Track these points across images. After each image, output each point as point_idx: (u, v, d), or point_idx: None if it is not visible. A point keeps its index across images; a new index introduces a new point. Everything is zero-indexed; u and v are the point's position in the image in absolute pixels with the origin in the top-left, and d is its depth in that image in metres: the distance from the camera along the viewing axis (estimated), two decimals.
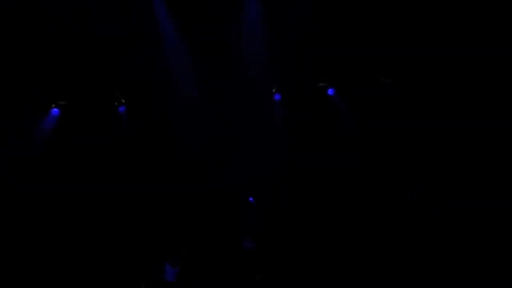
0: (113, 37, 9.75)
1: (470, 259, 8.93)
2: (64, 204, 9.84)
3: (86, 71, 9.92)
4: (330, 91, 10.18)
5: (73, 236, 9.76)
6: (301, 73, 10.19)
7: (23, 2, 9.53)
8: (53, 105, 9.99)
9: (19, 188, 9.73)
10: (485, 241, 9.02)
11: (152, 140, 10.16)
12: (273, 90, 10.23)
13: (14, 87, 9.85)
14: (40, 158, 9.86)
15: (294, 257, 9.28)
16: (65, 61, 9.83)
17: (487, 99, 9.46)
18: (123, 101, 10.10)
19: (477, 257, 8.93)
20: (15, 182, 9.73)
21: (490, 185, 9.21)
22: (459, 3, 9.54)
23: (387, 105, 9.87)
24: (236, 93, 10.15)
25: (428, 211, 9.52)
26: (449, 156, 9.60)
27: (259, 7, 9.81)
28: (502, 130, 9.34)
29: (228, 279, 8.49)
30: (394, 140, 9.89)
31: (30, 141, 9.88)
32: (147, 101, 10.21)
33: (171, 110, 10.20)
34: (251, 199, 8.28)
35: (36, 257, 9.63)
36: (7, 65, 9.73)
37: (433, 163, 9.65)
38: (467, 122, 9.43)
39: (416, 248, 9.34)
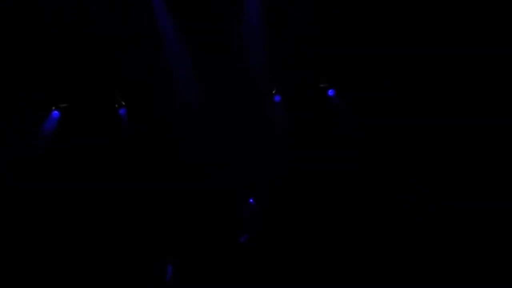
0: (113, 37, 9.74)
1: (470, 259, 8.92)
2: (64, 204, 9.83)
3: (85, 71, 9.91)
4: (330, 92, 10.16)
5: (73, 236, 9.75)
6: (301, 73, 10.17)
7: (23, 2, 9.54)
8: (54, 108, 9.99)
9: (19, 188, 9.75)
10: (485, 241, 9.01)
11: (152, 140, 10.15)
12: (273, 92, 10.22)
13: (14, 87, 9.85)
14: (40, 158, 9.86)
15: (294, 257, 9.28)
16: (65, 61, 9.82)
17: (487, 99, 9.46)
18: (123, 103, 10.09)
19: (477, 257, 8.92)
20: (15, 182, 9.74)
21: (490, 185, 9.21)
22: (459, 3, 9.54)
23: (387, 105, 9.86)
24: (236, 93, 10.14)
25: (428, 211, 9.51)
26: (449, 156, 9.59)
27: (259, 7, 9.81)
28: (502, 130, 9.34)
29: (228, 279, 8.49)
30: (394, 140, 9.88)
31: (30, 141, 9.88)
32: (147, 101, 10.20)
33: (171, 110, 10.19)
34: (251, 200, 8.26)
35: (36, 257, 9.62)
36: (6, 65, 9.74)
37: (433, 163, 9.63)
38: (467, 122, 9.43)
39: (416, 248, 9.32)
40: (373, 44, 9.80)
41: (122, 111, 10.10)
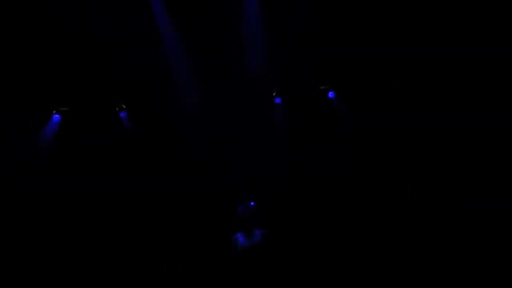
0: (113, 37, 9.72)
1: (470, 259, 8.92)
2: (64, 204, 9.82)
3: (85, 71, 9.90)
4: (330, 94, 10.14)
5: (73, 236, 9.74)
6: (302, 73, 10.13)
7: (23, 2, 9.53)
8: (54, 111, 9.98)
9: (19, 188, 9.74)
10: (485, 241, 9.01)
11: (152, 140, 10.13)
12: (274, 94, 10.19)
13: (13, 87, 9.83)
14: (41, 158, 9.85)
15: (294, 257, 9.28)
16: (65, 61, 9.81)
17: (487, 99, 9.46)
18: (124, 106, 10.08)
19: (477, 257, 8.92)
20: (15, 182, 9.72)
21: (490, 185, 9.21)
22: (459, 3, 9.54)
23: (387, 105, 9.85)
24: (236, 93, 10.12)
25: (428, 211, 9.50)
26: (449, 156, 9.58)
27: (259, 7, 9.80)
28: (502, 130, 9.33)
29: (228, 279, 8.46)
30: (394, 140, 9.87)
31: (30, 142, 9.86)
32: (147, 101, 10.17)
33: (171, 110, 10.17)
34: (252, 203, 8.23)
35: (36, 257, 9.61)
36: (6, 65, 9.72)
37: (433, 163, 9.62)
38: (467, 122, 9.42)
39: (416, 248, 9.32)
40: (373, 44, 9.79)
41: (122, 114, 10.08)
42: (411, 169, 9.74)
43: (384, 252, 9.35)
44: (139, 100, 10.14)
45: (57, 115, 9.97)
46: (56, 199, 9.80)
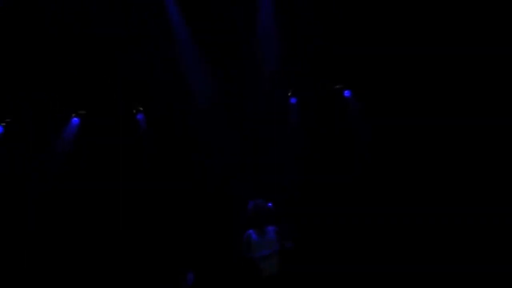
0: (115, 37, 9.67)
1: (470, 259, 8.99)
2: (68, 204, 9.82)
3: (87, 72, 9.85)
4: (346, 93, 10.07)
5: (75, 238, 9.76)
6: (317, 74, 10.02)
7: (23, 2, 9.46)
8: (73, 115, 9.94)
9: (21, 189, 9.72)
10: (486, 241, 9.09)
11: (164, 141, 10.10)
12: (289, 94, 10.12)
13: (12, 87, 9.76)
14: (45, 159, 9.83)
15: (301, 259, 9.28)
16: (66, 61, 9.76)
17: (487, 99, 9.49)
18: (141, 108, 10.05)
19: (477, 258, 8.99)
20: (19, 182, 9.71)
21: (490, 185, 9.27)
22: (459, 3, 9.55)
23: (388, 105, 9.85)
24: (248, 94, 10.06)
25: (427, 210, 9.53)
26: (450, 156, 9.62)
27: (272, 7, 9.74)
28: (503, 130, 9.38)
29: (233, 283, 8.49)
30: (394, 140, 9.87)
31: (31, 142, 9.83)
32: (153, 102, 10.12)
33: (180, 111, 10.11)
34: (270, 204, 8.24)
35: (38, 257, 9.62)
36: (5, 66, 9.65)
37: (433, 163, 9.66)
38: (467, 122, 9.46)
39: (416, 248, 9.38)
40: (373, 44, 9.76)
41: (139, 116, 10.07)
42: (411, 169, 9.74)
43: (385, 253, 9.41)
44: (142, 101, 10.11)
45: (76, 118, 9.94)
46: (63, 199, 9.79)
